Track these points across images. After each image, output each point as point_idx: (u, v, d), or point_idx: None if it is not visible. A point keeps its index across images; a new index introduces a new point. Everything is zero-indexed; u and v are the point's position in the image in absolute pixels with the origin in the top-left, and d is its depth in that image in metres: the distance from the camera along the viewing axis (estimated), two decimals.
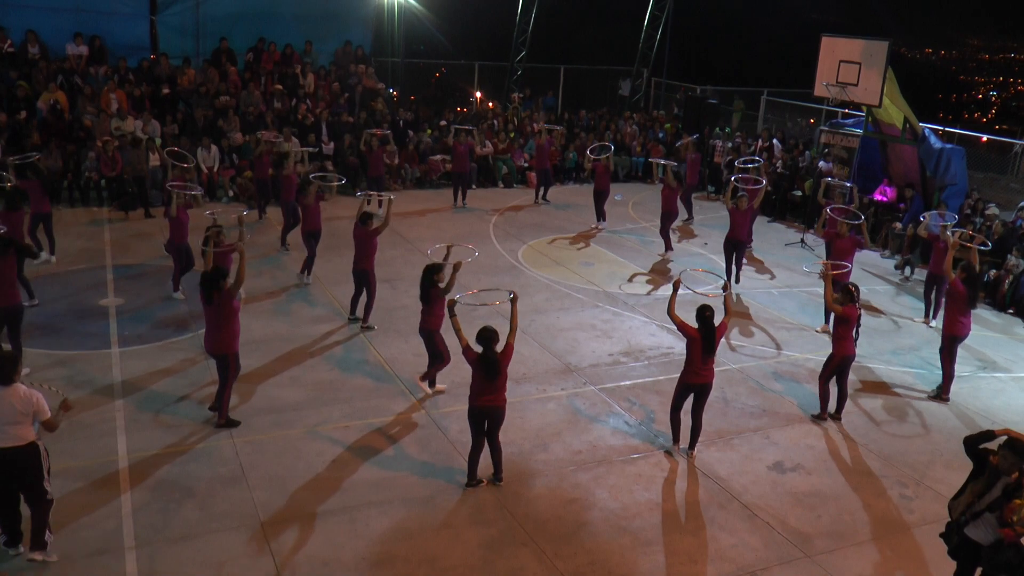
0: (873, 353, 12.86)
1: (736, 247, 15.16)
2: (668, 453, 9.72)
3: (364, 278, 12.51)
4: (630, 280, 15.61)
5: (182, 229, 13.22)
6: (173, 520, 8.00)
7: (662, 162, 18.40)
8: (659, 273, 16.17)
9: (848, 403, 11.03)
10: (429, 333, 10.51)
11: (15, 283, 10.59)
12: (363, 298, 12.66)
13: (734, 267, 15.31)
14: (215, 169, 19.58)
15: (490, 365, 8.44)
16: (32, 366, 10.73)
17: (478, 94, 27.73)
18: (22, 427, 7.02)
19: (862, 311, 10.56)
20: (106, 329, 12.20)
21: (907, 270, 17.07)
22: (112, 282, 14.01)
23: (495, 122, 24.66)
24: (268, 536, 7.86)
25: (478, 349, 8.52)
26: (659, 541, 8.21)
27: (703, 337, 9.24)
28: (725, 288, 10.20)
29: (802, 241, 18.66)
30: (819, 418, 10.74)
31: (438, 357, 10.63)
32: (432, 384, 10.79)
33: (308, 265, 14.37)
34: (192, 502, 8.29)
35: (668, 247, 17.25)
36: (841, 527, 8.61)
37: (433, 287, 10.37)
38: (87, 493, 8.32)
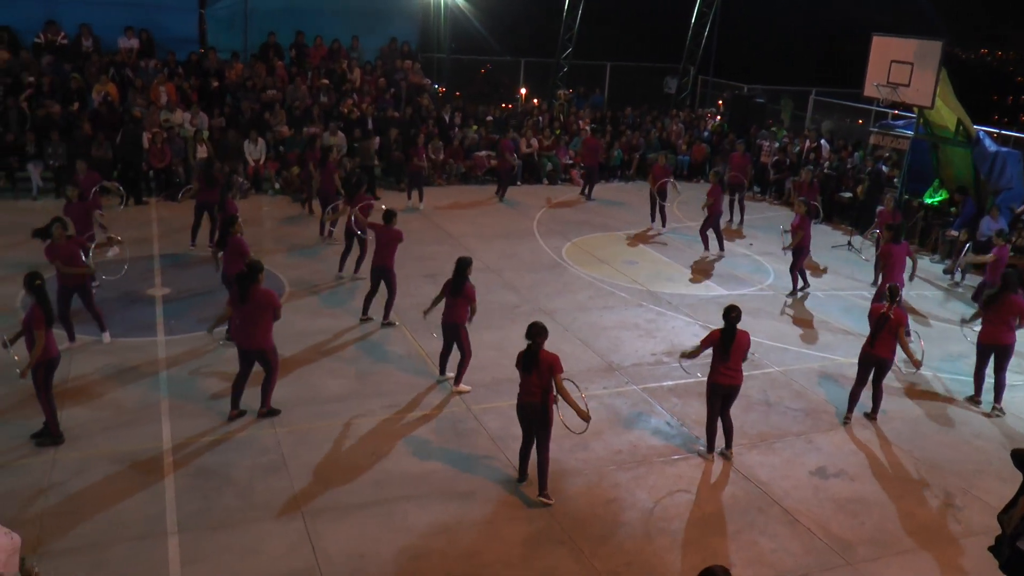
0: (920, 359, 12.59)
1: (796, 253, 14.83)
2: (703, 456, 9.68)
3: (384, 276, 12.49)
4: (671, 279, 15.55)
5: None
6: (214, 507, 8.09)
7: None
8: (703, 273, 16.05)
9: (893, 409, 10.84)
10: (456, 327, 10.48)
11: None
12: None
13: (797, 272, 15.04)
14: (261, 162, 19.78)
15: (528, 355, 8.36)
16: (82, 352, 10.93)
17: (523, 90, 27.69)
18: None
19: (894, 313, 10.32)
20: (153, 317, 12.38)
21: (957, 275, 16.74)
22: (160, 271, 14.20)
23: (540, 119, 24.62)
24: (307, 526, 7.90)
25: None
26: (697, 543, 8.13)
27: (722, 338, 9.26)
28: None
29: (849, 244, 18.37)
30: (847, 419, 10.67)
31: (464, 352, 10.63)
32: (457, 381, 10.79)
33: (353, 262, 14.43)
34: (233, 490, 8.37)
35: (708, 246, 17.13)
36: (884, 535, 8.45)
37: (466, 281, 10.38)
38: (131, 478, 8.44)
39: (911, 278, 13.72)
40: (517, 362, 8.48)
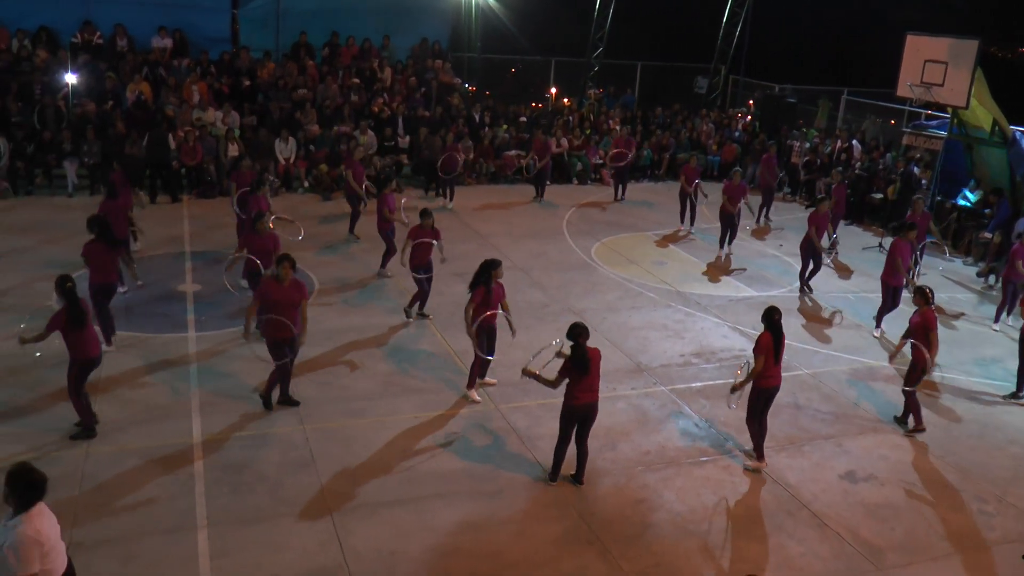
0: (953, 363, 12.47)
1: (813, 250, 14.80)
2: (747, 458, 9.58)
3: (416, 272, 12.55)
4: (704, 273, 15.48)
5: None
6: (244, 502, 8.16)
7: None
8: (732, 274, 15.99)
9: (925, 414, 10.73)
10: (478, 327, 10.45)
11: (110, 263, 10.94)
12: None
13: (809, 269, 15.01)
14: (291, 160, 19.92)
15: (581, 357, 8.36)
16: (114, 348, 11.05)
17: (553, 90, 27.67)
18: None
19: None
20: (184, 313, 12.50)
21: (991, 278, 16.53)
22: (191, 269, 14.34)
23: (570, 118, 24.60)
24: (335, 523, 7.95)
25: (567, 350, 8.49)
26: (726, 546, 8.09)
27: (775, 342, 9.09)
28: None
29: (880, 245, 18.20)
30: (916, 431, 10.43)
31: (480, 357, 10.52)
32: (480, 379, 10.72)
33: (384, 259, 14.48)
34: (263, 486, 8.43)
35: (729, 242, 17.12)
36: (915, 541, 8.36)
37: (492, 282, 10.17)
38: (162, 471, 8.53)
39: None
40: (565, 369, 8.40)
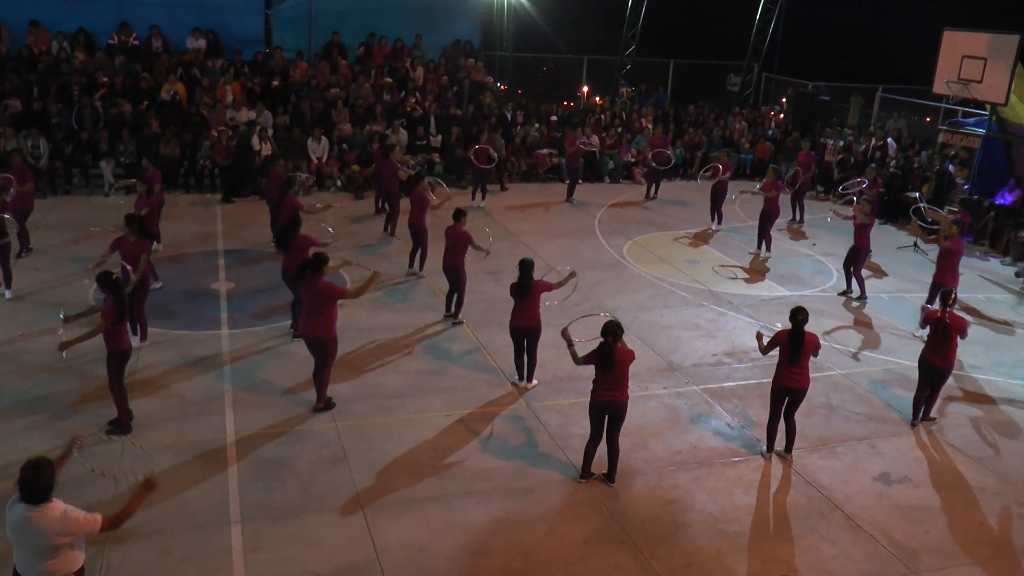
0: (991, 365, 12.28)
1: (856, 256, 14.55)
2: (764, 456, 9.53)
3: (455, 275, 12.57)
4: (725, 268, 15.35)
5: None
6: (276, 498, 8.22)
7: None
8: (759, 272, 15.87)
9: (962, 416, 10.60)
10: (531, 329, 10.53)
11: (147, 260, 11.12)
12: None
13: (854, 276, 14.78)
14: (324, 160, 20.04)
15: (604, 354, 8.39)
16: (149, 345, 11.19)
17: (585, 88, 27.62)
18: (63, 557, 5.56)
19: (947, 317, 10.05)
20: (217, 311, 12.62)
21: None
22: (224, 266, 14.48)
23: (602, 117, 24.54)
24: (367, 519, 7.99)
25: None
26: (757, 547, 8.03)
27: (791, 341, 9.06)
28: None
29: (915, 245, 17.97)
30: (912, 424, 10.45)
31: (532, 356, 10.69)
32: (529, 379, 10.81)
33: (412, 257, 14.50)
34: (295, 482, 8.49)
35: (767, 247, 16.90)
36: (951, 545, 8.24)
37: (531, 281, 10.36)
38: (196, 467, 8.62)
39: None
40: (590, 357, 8.49)
